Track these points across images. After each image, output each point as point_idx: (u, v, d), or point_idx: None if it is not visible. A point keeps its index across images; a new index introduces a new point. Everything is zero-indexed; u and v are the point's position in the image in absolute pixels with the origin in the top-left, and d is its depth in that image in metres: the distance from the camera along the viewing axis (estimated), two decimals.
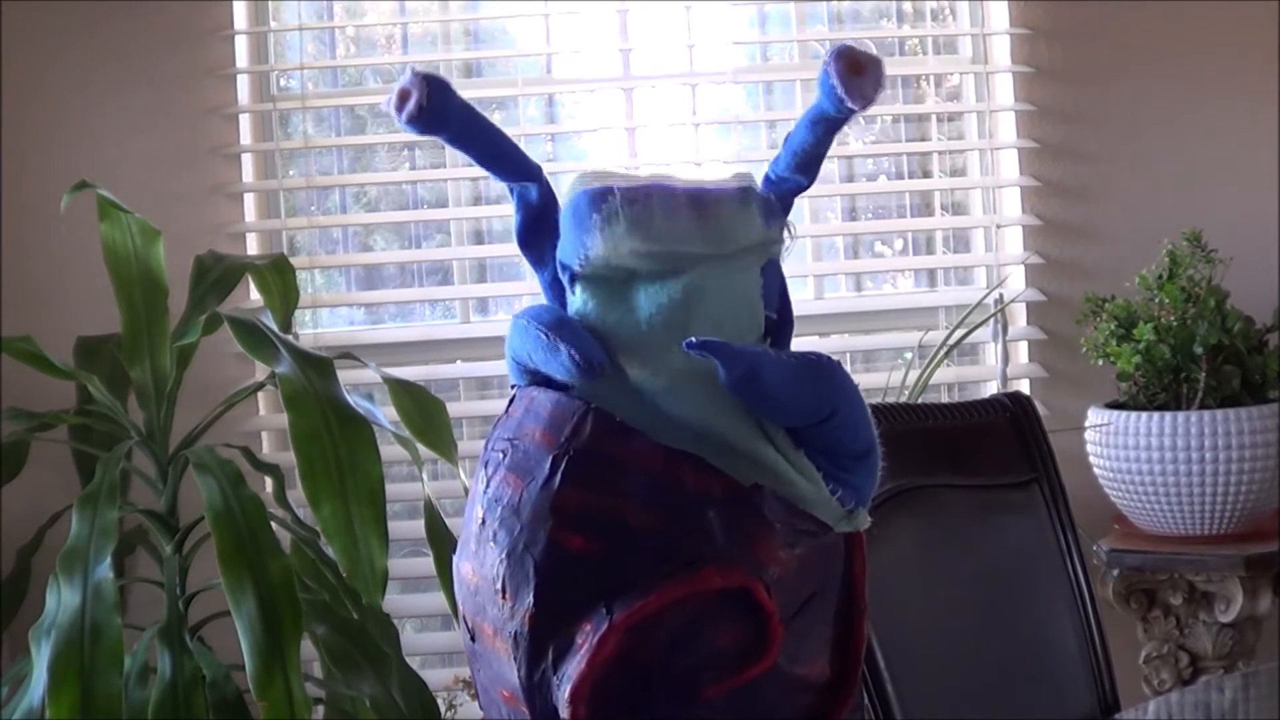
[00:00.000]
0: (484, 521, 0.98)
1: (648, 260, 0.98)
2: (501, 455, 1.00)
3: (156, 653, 1.98)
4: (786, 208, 1.06)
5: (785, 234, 1.03)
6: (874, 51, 0.97)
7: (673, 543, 0.93)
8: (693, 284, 0.98)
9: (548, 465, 0.96)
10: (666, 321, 0.98)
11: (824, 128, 1.01)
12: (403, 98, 1.00)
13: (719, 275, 0.99)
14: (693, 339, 0.96)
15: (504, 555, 0.95)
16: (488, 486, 0.99)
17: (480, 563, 0.97)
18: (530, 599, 0.93)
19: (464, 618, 1.01)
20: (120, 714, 1.79)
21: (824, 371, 0.99)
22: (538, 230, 1.06)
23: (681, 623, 0.92)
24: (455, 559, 1.02)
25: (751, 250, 1.01)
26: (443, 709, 2.33)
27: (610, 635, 0.90)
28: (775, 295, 1.04)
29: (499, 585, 0.95)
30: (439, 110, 1.00)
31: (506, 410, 1.04)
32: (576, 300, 1.01)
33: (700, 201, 0.99)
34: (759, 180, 1.06)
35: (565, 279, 1.02)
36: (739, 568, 0.93)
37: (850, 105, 0.96)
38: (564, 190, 1.05)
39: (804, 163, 1.04)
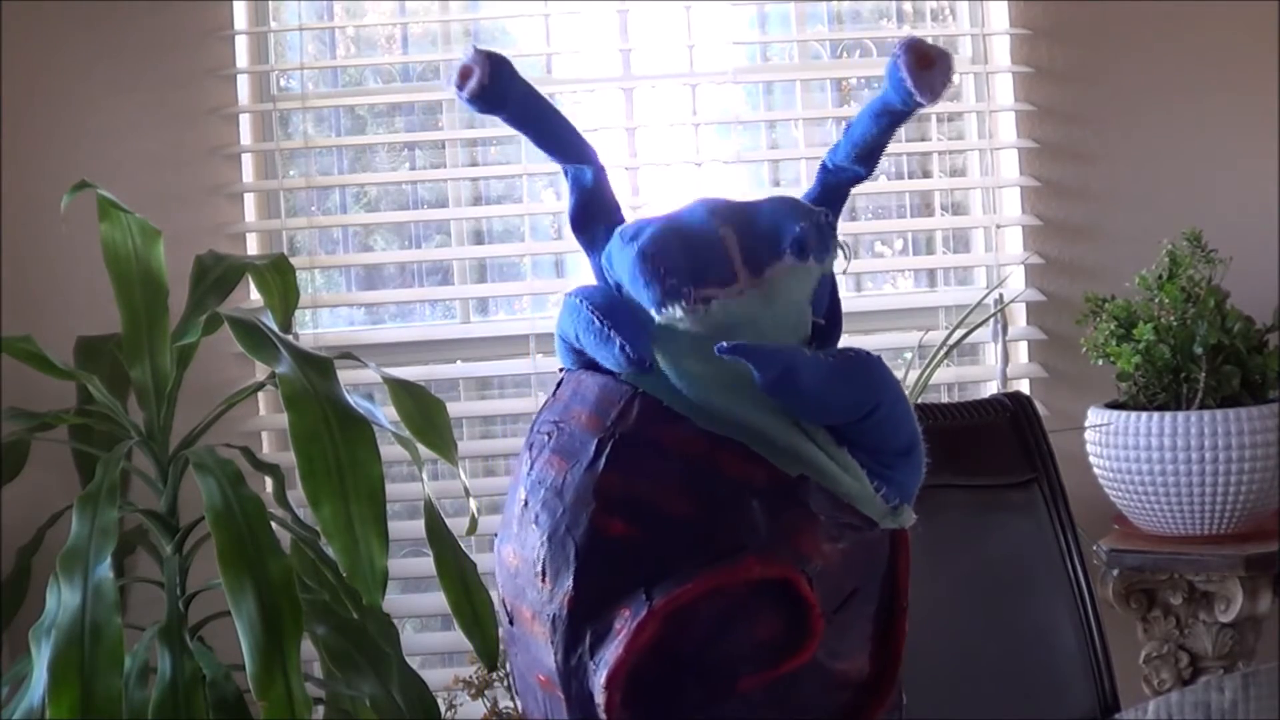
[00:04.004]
0: (526, 504, 0.97)
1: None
2: (546, 438, 0.99)
3: (156, 653, 1.98)
4: (843, 197, 1.05)
5: (839, 253, 1.02)
6: (942, 46, 0.97)
7: (715, 531, 0.92)
8: (739, 303, 0.98)
9: (592, 448, 0.95)
10: (708, 332, 0.97)
11: (888, 120, 1.00)
12: (464, 75, 0.99)
13: (769, 293, 0.98)
14: (724, 344, 0.95)
15: (545, 538, 0.94)
16: (531, 468, 0.98)
17: (521, 545, 0.97)
18: (570, 582, 0.92)
19: (503, 601, 1.01)
20: (120, 714, 1.79)
21: (863, 368, 0.98)
22: (591, 213, 1.05)
23: (721, 612, 0.92)
24: (496, 543, 1.02)
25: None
26: (443, 709, 2.33)
27: (649, 621, 0.90)
28: (825, 301, 1.03)
29: (539, 568, 0.94)
30: (501, 89, 0.99)
31: (554, 393, 1.03)
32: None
33: (759, 273, 0.97)
34: (815, 170, 1.05)
35: (611, 283, 1.02)
36: (781, 559, 0.92)
37: (919, 99, 0.96)
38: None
39: (864, 154, 1.03)
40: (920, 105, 0.97)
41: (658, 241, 0.98)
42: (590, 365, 1.02)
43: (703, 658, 0.93)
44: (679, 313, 0.97)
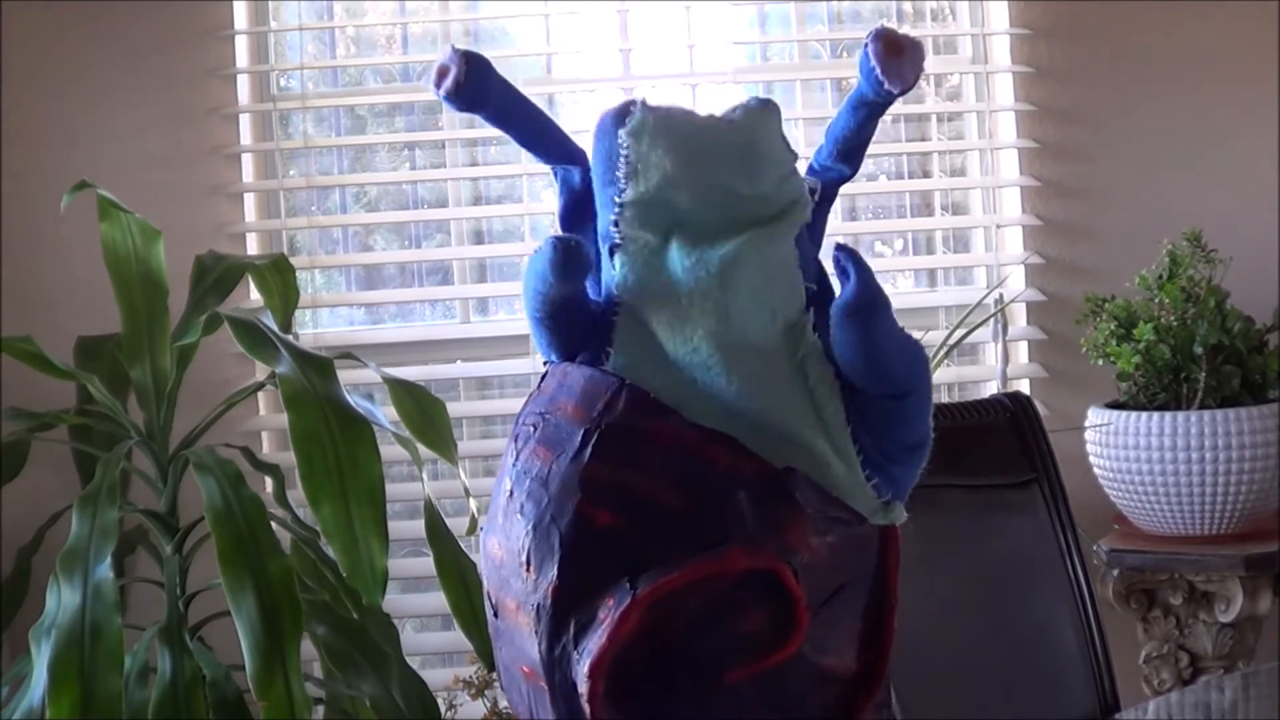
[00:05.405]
0: (511, 494, 0.98)
1: (681, 181, 0.97)
2: (532, 429, 0.99)
3: (156, 653, 1.98)
4: (830, 197, 1.06)
5: (808, 192, 1.03)
6: (913, 34, 0.97)
7: (700, 522, 0.93)
8: (730, 256, 0.97)
9: (578, 438, 0.95)
10: (704, 294, 0.97)
11: (865, 112, 1.01)
12: (441, 74, 1.00)
13: (757, 246, 0.98)
14: (841, 242, 0.95)
15: (530, 527, 0.95)
16: (517, 459, 0.99)
17: (506, 535, 0.97)
18: (554, 571, 0.92)
19: (488, 594, 1.01)
20: (120, 714, 1.79)
21: (918, 352, 0.98)
22: (580, 214, 1.05)
23: (706, 603, 0.92)
24: (482, 536, 1.02)
25: (786, 207, 1.00)
26: (443, 709, 2.33)
27: (632, 611, 0.90)
28: (812, 267, 1.03)
29: (524, 558, 0.95)
30: (477, 88, 1.00)
31: (539, 386, 1.03)
32: (615, 272, 1.01)
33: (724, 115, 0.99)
34: (802, 170, 1.06)
35: (605, 249, 1.02)
36: (767, 550, 0.92)
37: (889, 88, 0.96)
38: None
39: (847, 151, 1.04)
40: (893, 94, 0.97)
41: (624, 103, 1.00)
42: (573, 359, 1.02)
43: (688, 648, 0.93)
44: (648, 136, 0.97)
